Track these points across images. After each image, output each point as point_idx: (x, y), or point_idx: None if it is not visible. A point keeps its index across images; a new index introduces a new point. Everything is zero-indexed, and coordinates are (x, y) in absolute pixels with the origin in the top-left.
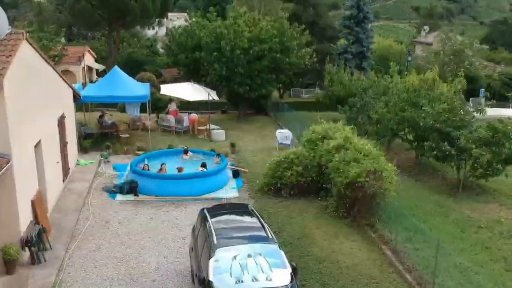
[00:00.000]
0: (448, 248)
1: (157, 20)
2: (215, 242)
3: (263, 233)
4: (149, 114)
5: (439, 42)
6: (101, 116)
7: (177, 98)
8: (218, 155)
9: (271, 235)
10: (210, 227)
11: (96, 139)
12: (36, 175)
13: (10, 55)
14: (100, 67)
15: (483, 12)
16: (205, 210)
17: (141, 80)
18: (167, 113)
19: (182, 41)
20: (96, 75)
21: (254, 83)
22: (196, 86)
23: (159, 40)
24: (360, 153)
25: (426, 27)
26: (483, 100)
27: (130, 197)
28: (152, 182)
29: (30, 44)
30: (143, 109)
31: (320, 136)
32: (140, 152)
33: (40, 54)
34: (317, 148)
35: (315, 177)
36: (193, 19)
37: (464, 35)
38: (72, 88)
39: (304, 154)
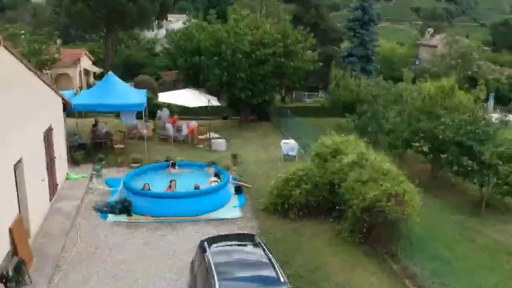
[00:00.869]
0: (481, 282)
1: (156, 21)
2: (217, 285)
3: (272, 273)
4: (145, 122)
5: (446, 45)
6: (94, 125)
7: (175, 104)
8: (209, 165)
9: (282, 276)
10: (210, 265)
11: (89, 150)
12: (16, 198)
13: None
14: (98, 70)
15: (484, 14)
16: (205, 243)
17: (140, 83)
18: (159, 119)
19: (181, 45)
20: (94, 78)
21: (256, 88)
22: (196, 92)
23: (158, 42)
24: (378, 172)
25: (430, 29)
26: (492, 104)
27: (123, 217)
28: (146, 201)
29: (8, 50)
30: (140, 116)
31: (331, 150)
32: (135, 165)
33: (22, 62)
34: (328, 164)
35: (326, 196)
36: (192, 21)
37: (469, 38)
38: (61, 97)
39: (314, 170)
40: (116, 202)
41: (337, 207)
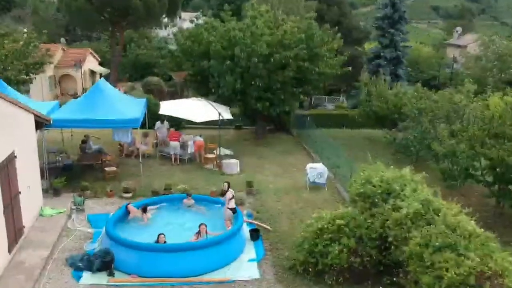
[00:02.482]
0: None
1: (168, 19)
2: None
3: None
4: (145, 137)
5: (481, 46)
6: (84, 141)
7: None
8: (189, 195)
9: None
10: None
11: (76, 172)
12: None
13: None
14: (104, 70)
15: (504, 12)
16: None
17: (148, 85)
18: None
19: (188, 47)
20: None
21: (275, 97)
22: (204, 102)
23: (170, 41)
24: (455, 232)
25: (459, 28)
26: None
27: (102, 277)
28: (132, 255)
29: None
30: (141, 126)
31: (380, 191)
32: (127, 195)
33: None
34: (376, 210)
35: (375, 255)
36: (200, 20)
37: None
38: (33, 113)
39: (358, 219)
40: (94, 255)
41: (392, 271)
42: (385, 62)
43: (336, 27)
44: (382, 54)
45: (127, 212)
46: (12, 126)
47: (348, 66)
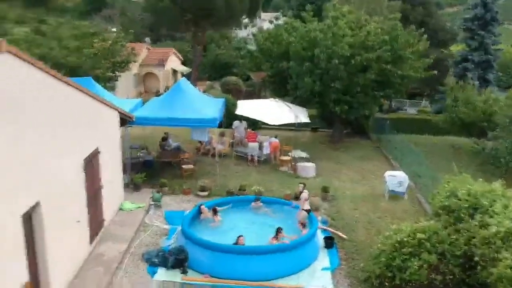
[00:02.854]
0: None
1: (247, 20)
2: None
3: None
4: (222, 136)
5: None
6: (164, 139)
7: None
8: (258, 198)
9: None
10: None
11: (156, 169)
12: (24, 259)
13: None
14: (185, 69)
15: None
16: None
17: (227, 85)
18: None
19: (267, 48)
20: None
21: (354, 101)
22: (281, 104)
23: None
24: None
25: None
26: None
27: (175, 275)
28: (206, 255)
29: (23, 59)
30: (219, 125)
31: (467, 205)
32: (203, 194)
33: (49, 73)
34: (462, 225)
35: (458, 274)
36: (280, 21)
37: None
38: (118, 110)
39: (441, 233)
40: (169, 252)
41: None
42: (473, 66)
43: (422, 29)
44: (470, 57)
45: (199, 212)
46: (98, 122)
47: (433, 69)
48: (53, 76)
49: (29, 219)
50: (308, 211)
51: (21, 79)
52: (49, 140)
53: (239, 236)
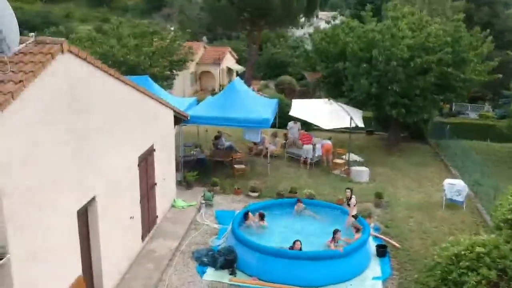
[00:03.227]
0: None
1: (304, 19)
2: None
3: None
4: (274, 137)
5: None
6: (217, 137)
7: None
8: (300, 200)
9: None
10: None
11: (208, 167)
12: (78, 254)
13: (33, 74)
14: (240, 68)
15: None
16: None
17: (281, 84)
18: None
19: (323, 48)
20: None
21: (413, 104)
22: (336, 106)
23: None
24: None
25: None
26: None
27: (224, 276)
28: (255, 258)
29: (83, 59)
30: (271, 125)
31: None
32: (254, 194)
33: (109, 73)
34: None
35: None
36: (337, 20)
37: None
38: (173, 109)
39: (502, 247)
40: (219, 252)
41: None
42: None
43: (488, 30)
44: None
45: (245, 218)
46: (153, 120)
47: (497, 72)
48: (112, 75)
49: (85, 213)
50: (355, 216)
51: (81, 78)
52: (106, 137)
53: (296, 241)
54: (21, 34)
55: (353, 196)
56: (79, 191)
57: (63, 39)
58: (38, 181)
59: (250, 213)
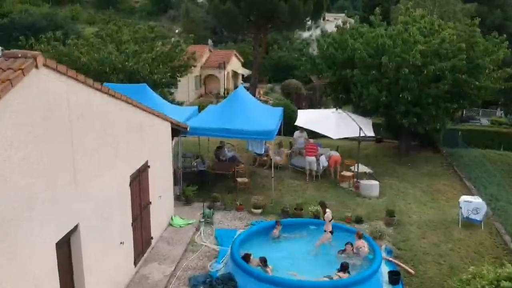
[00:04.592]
0: None
1: (311, 22)
2: None
3: None
4: (279, 147)
5: None
6: (219, 148)
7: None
8: (278, 222)
9: None
10: None
11: (208, 180)
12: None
13: None
14: (246, 72)
15: None
16: None
17: (287, 88)
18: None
19: (330, 54)
20: (242, 80)
21: (425, 113)
22: (344, 116)
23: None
24: None
25: None
26: None
27: None
28: (254, 284)
29: (62, 73)
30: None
31: None
32: (257, 211)
33: (94, 87)
34: None
35: None
36: (346, 24)
37: None
38: (170, 121)
39: None
40: (217, 280)
41: None
42: None
43: (505, 35)
44: None
45: (245, 260)
46: (147, 135)
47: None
48: (97, 89)
49: (66, 244)
50: (332, 232)
51: (60, 95)
52: (92, 156)
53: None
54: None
55: (328, 210)
56: (59, 219)
57: (37, 52)
58: (6, 208)
59: (252, 258)
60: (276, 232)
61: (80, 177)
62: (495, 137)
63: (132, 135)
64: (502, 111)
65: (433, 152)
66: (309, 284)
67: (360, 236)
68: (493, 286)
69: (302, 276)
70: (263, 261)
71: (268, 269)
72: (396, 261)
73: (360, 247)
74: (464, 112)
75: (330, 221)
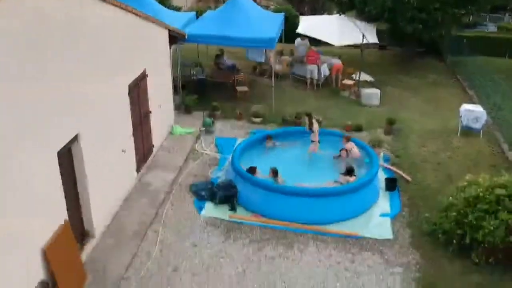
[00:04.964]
0: None
1: None
2: None
3: None
4: (280, 56)
5: None
6: (218, 56)
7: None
8: (270, 137)
9: None
10: None
11: (208, 89)
12: (61, 200)
13: None
14: None
15: None
16: None
17: None
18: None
19: None
20: None
21: (430, 19)
22: (346, 21)
23: None
24: None
25: None
26: None
27: (223, 213)
28: (257, 193)
29: None
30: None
31: None
32: (257, 120)
33: None
34: None
35: None
36: None
37: None
38: (168, 28)
39: None
40: (218, 186)
41: None
42: None
43: None
44: None
45: (251, 172)
46: (145, 43)
47: None
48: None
49: (68, 153)
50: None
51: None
52: (88, 65)
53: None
54: None
55: (314, 120)
56: (58, 130)
57: None
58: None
59: (257, 170)
60: (269, 143)
61: (76, 87)
62: (503, 44)
63: (128, 42)
64: (511, 17)
65: (437, 59)
66: (321, 191)
67: (348, 139)
68: (488, 192)
69: (307, 184)
70: (275, 172)
71: (279, 180)
72: (394, 168)
73: (350, 149)
74: (471, 18)
75: (317, 130)
